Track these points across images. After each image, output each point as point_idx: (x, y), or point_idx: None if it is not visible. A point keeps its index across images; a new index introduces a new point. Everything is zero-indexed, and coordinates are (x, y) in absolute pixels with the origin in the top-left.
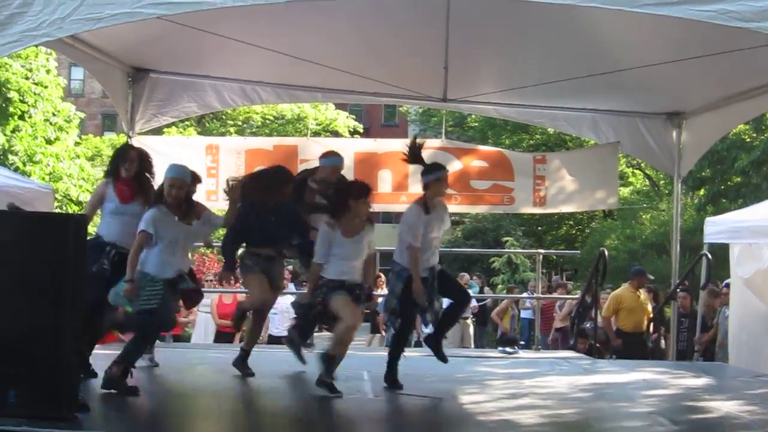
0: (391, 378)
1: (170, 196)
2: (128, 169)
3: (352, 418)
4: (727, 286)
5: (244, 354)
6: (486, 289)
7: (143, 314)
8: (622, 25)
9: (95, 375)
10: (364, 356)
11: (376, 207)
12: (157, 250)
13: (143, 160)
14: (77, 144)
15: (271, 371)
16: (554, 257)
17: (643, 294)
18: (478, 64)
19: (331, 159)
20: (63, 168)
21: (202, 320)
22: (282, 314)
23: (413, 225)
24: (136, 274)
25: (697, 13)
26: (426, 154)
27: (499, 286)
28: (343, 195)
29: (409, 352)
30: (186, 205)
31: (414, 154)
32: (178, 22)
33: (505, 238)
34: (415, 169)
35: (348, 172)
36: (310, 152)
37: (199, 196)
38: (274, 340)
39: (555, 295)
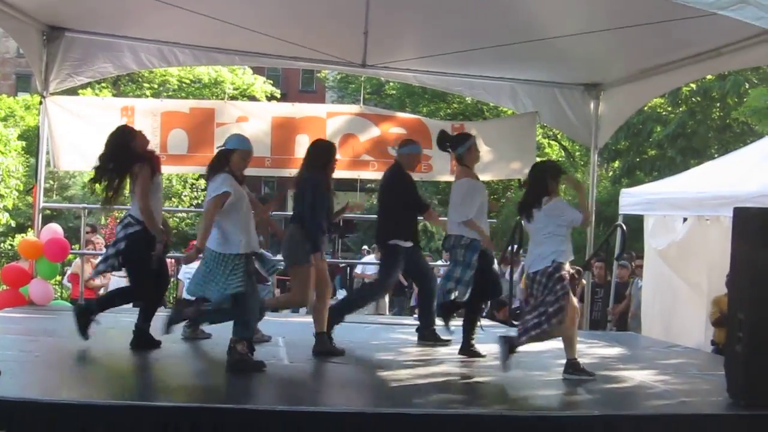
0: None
1: (240, 168)
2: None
3: (268, 384)
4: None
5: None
6: None
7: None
8: None
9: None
10: (279, 322)
11: (293, 172)
12: (235, 220)
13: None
14: None
15: (177, 336)
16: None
17: None
18: (398, 30)
19: (411, 147)
20: None
21: (115, 284)
22: None
23: (474, 197)
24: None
25: None
26: (344, 120)
27: None
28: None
29: None
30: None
31: (443, 143)
32: None
33: None
34: (332, 135)
35: (265, 137)
36: (227, 115)
37: None
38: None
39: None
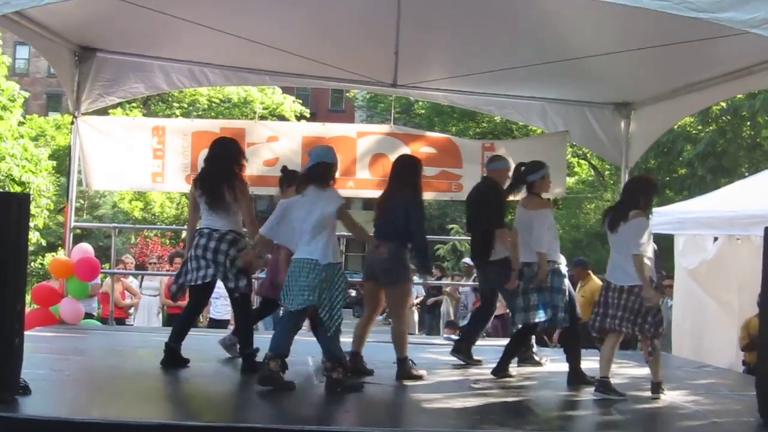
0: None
1: None
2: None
3: (299, 403)
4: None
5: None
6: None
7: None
8: (573, 14)
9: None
10: (309, 342)
11: None
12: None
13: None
14: (21, 124)
15: (212, 355)
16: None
17: (590, 283)
18: (428, 50)
19: (501, 162)
20: (6, 148)
21: (145, 304)
22: (224, 298)
23: (553, 228)
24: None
25: (651, 3)
26: (374, 140)
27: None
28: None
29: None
30: None
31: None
32: (127, 1)
33: (450, 226)
34: (362, 155)
35: (296, 156)
36: (258, 135)
37: (145, 177)
38: (214, 323)
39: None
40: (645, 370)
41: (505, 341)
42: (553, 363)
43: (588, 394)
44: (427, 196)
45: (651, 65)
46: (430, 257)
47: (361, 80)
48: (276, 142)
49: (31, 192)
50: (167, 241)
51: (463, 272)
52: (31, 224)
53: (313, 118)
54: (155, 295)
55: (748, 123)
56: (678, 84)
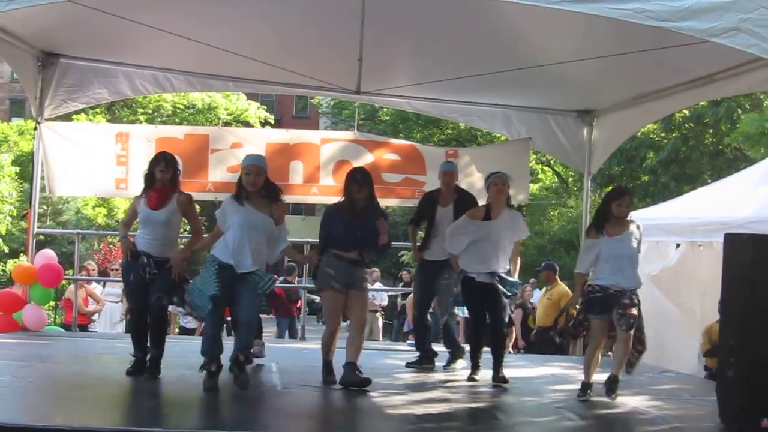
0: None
1: (248, 183)
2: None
3: (262, 410)
4: None
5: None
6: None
7: None
8: (536, 22)
9: (157, 375)
10: (272, 348)
11: (288, 198)
12: None
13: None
14: None
15: (179, 362)
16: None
17: (557, 287)
18: (392, 57)
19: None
20: None
21: (108, 310)
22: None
23: None
24: None
25: (614, 11)
26: (338, 146)
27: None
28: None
29: (317, 345)
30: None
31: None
32: (91, 7)
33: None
34: (326, 161)
35: None
36: (222, 141)
37: (108, 184)
38: (185, 331)
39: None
40: (607, 376)
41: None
42: (516, 369)
43: (550, 399)
44: (391, 202)
45: (613, 73)
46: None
47: (325, 87)
48: (240, 149)
49: None
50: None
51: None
52: None
53: (278, 124)
54: (118, 302)
55: (711, 130)
56: (640, 91)
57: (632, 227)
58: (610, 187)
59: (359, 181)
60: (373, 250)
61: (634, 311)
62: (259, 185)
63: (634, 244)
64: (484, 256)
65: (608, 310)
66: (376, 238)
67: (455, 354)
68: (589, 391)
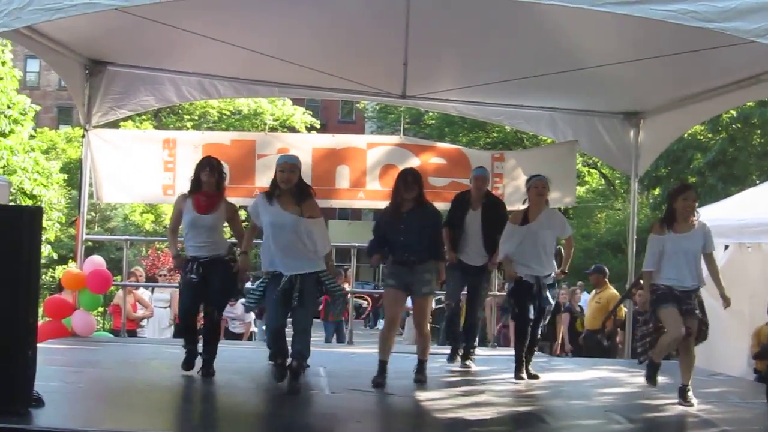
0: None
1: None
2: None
3: (310, 414)
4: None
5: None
6: None
7: None
8: (581, 24)
9: (212, 374)
10: (320, 352)
11: (334, 203)
12: None
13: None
14: (32, 137)
15: (227, 367)
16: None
17: (606, 291)
18: (437, 61)
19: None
20: (17, 161)
21: (156, 316)
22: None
23: None
24: None
25: (659, 13)
26: (384, 151)
27: None
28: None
29: (365, 349)
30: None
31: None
32: (137, 15)
33: None
34: (372, 166)
35: (306, 168)
36: (269, 147)
37: (156, 190)
38: (232, 336)
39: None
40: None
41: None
42: (564, 372)
43: (599, 402)
44: (438, 206)
45: (659, 74)
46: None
47: (371, 91)
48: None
49: (42, 205)
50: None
51: None
52: (43, 237)
53: (324, 129)
54: (166, 307)
55: (759, 131)
56: (687, 93)
57: (699, 226)
58: (657, 189)
59: (408, 182)
60: (421, 253)
61: (694, 321)
62: (293, 182)
63: (700, 243)
64: (526, 259)
65: (676, 303)
66: (424, 241)
67: (456, 348)
68: (657, 374)
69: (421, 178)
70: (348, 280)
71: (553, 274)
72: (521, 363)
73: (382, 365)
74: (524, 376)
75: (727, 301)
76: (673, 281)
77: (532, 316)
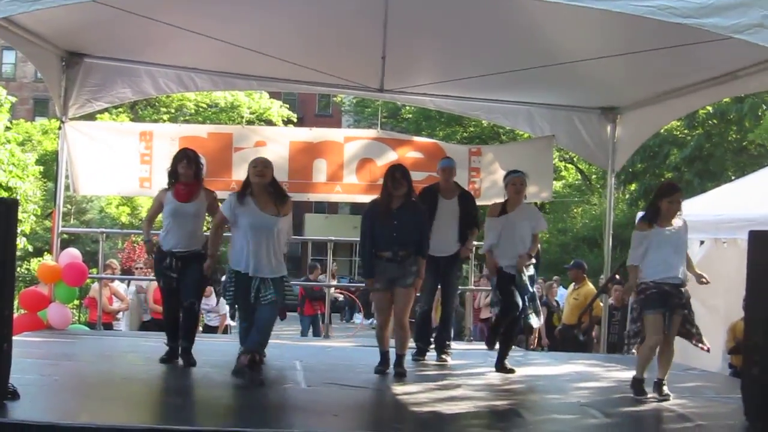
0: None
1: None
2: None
3: (286, 408)
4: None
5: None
6: None
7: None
8: (560, 19)
9: (194, 363)
10: (296, 346)
11: (311, 197)
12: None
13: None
14: (8, 129)
15: (203, 360)
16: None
17: (585, 287)
18: (415, 55)
19: (444, 161)
20: None
21: (132, 308)
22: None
23: None
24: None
25: (637, 8)
26: (361, 144)
27: None
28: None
29: (341, 343)
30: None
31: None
32: (115, 6)
33: None
34: (349, 160)
35: (283, 162)
36: (246, 140)
37: (132, 183)
38: (208, 329)
39: (482, 287)
40: (631, 373)
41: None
42: (540, 367)
43: (574, 397)
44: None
45: (637, 70)
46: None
47: (348, 85)
48: (264, 147)
49: (18, 197)
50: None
51: None
52: (18, 230)
53: (301, 122)
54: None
55: (735, 127)
56: (664, 88)
57: (680, 221)
58: (634, 185)
59: (397, 179)
60: (410, 247)
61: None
62: (267, 179)
63: (685, 237)
64: (505, 250)
65: (664, 305)
66: (414, 236)
67: (424, 348)
68: (644, 387)
69: (409, 173)
70: (333, 273)
71: (532, 268)
72: (495, 336)
73: (384, 356)
74: (508, 365)
75: (702, 278)
76: (662, 274)
77: (520, 303)
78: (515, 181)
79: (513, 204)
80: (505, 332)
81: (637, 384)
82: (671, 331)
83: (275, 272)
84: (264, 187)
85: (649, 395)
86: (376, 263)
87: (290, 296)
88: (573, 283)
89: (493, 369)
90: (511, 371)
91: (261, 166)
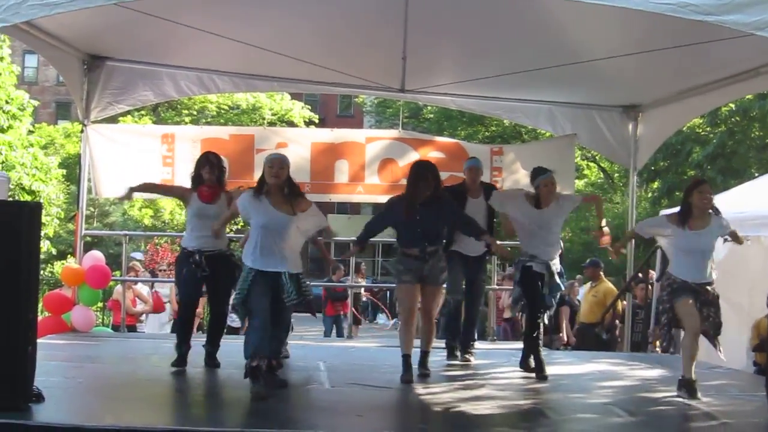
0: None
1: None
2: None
3: (310, 408)
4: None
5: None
6: None
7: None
8: (580, 17)
9: (218, 365)
10: (320, 347)
11: (333, 198)
12: None
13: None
14: (30, 132)
15: (226, 361)
16: (509, 248)
17: (602, 286)
18: (436, 55)
19: (470, 161)
20: (16, 157)
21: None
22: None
23: None
24: None
25: (657, 6)
26: (383, 145)
27: None
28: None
29: (365, 343)
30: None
31: None
32: (135, 9)
33: None
34: (371, 160)
35: (305, 163)
36: (267, 141)
37: None
38: (231, 330)
39: (505, 286)
40: (655, 372)
41: (516, 344)
42: (563, 366)
43: (598, 396)
44: None
45: (658, 67)
46: None
47: (370, 86)
48: (285, 148)
49: (41, 201)
50: (178, 248)
51: None
52: (42, 233)
53: (322, 123)
54: (166, 302)
55: (758, 124)
56: (685, 86)
57: (715, 222)
58: (656, 183)
59: (421, 176)
60: (437, 243)
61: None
62: (282, 178)
63: (715, 238)
64: (535, 245)
65: (691, 294)
66: (441, 232)
67: (454, 345)
68: (695, 388)
69: (436, 168)
70: (363, 273)
71: (558, 264)
72: (529, 352)
73: (406, 360)
74: (532, 363)
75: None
76: (690, 277)
77: (548, 303)
78: (546, 182)
79: (546, 202)
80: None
81: (688, 385)
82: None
83: (289, 268)
84: (279, 186)
85: (675, 393)
86: (402, 260)
87: (307, 294)
88: (590, 282)
89: (519, 368)
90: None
91: (277, 167)
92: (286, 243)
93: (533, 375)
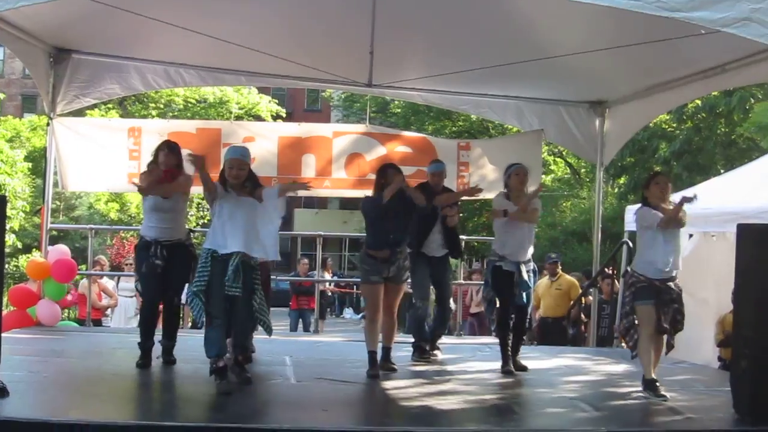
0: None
1: (231, 177)
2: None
3: (275, 403)
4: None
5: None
6: None
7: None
8: (548, 13)
9: (174, 361)
10: (286, 341)
11: (300, 192)
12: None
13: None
14: None
15: (192, 356)
16: (476, 243)
17: (565, 278)
18: (403, 50)
19: (434, 165)
20: None
21: (122, 305)
22: None
23: None
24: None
25: (625, 2)
26: (350, 139)
27: None
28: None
29: (331, 338)
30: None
31: None
32: (102, 2)
33: None
34: (338, 155)
35: (272, 157)
36: (234, 135)
37: (121, 179)
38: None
39: (472, 281)
40: (621, 367)
41: (482, 339)
42: (529, 361)
43: (564, 391)
44: None
45: (625, 64)
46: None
47: (337, 80)
48: (252, 142)
49: (6, 194)
50: None
51: None
52: (7, 226)
53: (290, 117)
54: (131, 296)
55: (724, 120)
56: (652, 82)
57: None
58: (623, 179)
59: (389, 176)
60: (403, 244)
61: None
62: (242, 179)
63: (680, 230)
64: (508, 245)
65: (654, 297)
66: (405, 231)
67: (422, 346)
68: (658, 385)
69: (401, 171)
70: (329, 268)
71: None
72: (507, 355)
73: (372, 356)
74: (511, 368)
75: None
76: (654, 273)
77: (519, 303)
78: (518, 171)
79: (518, 197)
80: (516, 327)
81: (651, 385)
82: (660, 326)
83: (255, 251)
84: (241, 184)
85: (640, 388)
86: (368, 260)
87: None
88: (548, 276)
89: (482, 363)
90: (524, 368)
91: (236, 169)
92: (254, 223)
93: (499, 370)
